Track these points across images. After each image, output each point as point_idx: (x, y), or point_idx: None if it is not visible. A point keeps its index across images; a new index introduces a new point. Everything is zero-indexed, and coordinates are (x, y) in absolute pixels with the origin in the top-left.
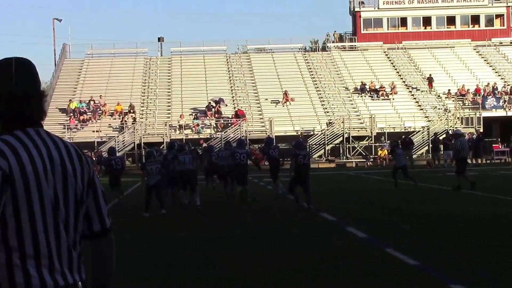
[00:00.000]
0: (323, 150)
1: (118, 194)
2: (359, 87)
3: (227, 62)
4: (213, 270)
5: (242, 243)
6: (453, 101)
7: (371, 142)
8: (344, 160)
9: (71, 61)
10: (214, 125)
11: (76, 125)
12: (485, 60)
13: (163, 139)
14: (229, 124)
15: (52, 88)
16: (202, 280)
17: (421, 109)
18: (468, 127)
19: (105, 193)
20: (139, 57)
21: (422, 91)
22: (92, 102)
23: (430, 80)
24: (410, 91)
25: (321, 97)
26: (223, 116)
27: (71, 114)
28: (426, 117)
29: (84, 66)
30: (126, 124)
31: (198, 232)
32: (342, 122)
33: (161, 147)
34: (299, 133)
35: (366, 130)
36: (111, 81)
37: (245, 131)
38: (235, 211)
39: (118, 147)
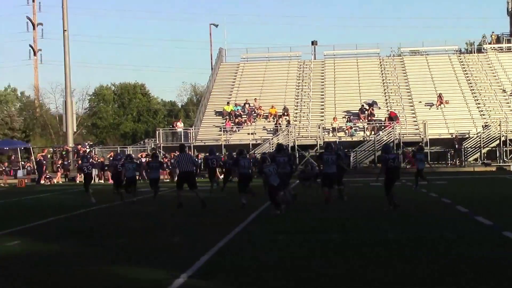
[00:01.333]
0: (478, 153)
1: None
2: None
3: (380, 65)
4: (363, 271)
5: (395, 245)
6: None
7: None
8: (501, 164)
9: (227, 65)
10: (367, 128)
11: (232, 127)
12: None
13: (317, 141)
14: (382, 127)
15: (209, 91)
16: (355, 282)
17: None
18: None
19: None
20: (292, 60)
21: None
22: (247, 105)
23: None
24: None
25: (477, 100)
26: (376, 118)
27: (227, 117)
28: None
29: (240, 69)
30: (280, 126)
31: (348, 233)
32: (499, 125)
33: (314, 149)
34: (454, 136)
35: None
36: (265, 84)
37: (398, 134)
38: (388, 213)
39: (271, 149)
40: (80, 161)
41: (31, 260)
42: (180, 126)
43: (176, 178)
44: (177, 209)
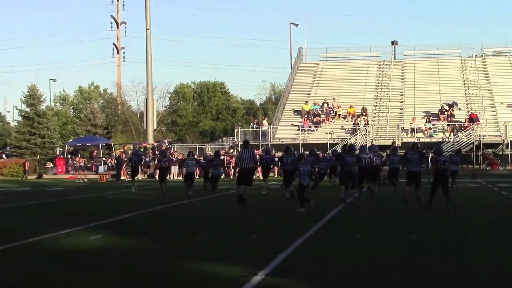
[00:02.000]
0: None
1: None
2: None
3: (462, 65)
4: (444, 272)
5: (475, 245)
6: None
7: None
8: None
9: (307, 64)
10: (446, 129)
11: (310, 126)
12: None
13: (395, 142)
14: (462, 128)
15: (288, 90)
16: (437, 280)
17: None
18: None
19: None
20: (372, 60)
21: None
22: (325, 105)
23: None
24: None
25: None
26: (456, 119)
27: (305, 116)
28: None
29: (319, 69)
30: (358, 126)
31: (431, 232)
32: None
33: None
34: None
35: None
36: (344, 84)
37: (478, 136)
38: (467, 209)
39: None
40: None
41: (112, 255)
42: (265, 124)
43: (237, 174)
44: (237, 204)
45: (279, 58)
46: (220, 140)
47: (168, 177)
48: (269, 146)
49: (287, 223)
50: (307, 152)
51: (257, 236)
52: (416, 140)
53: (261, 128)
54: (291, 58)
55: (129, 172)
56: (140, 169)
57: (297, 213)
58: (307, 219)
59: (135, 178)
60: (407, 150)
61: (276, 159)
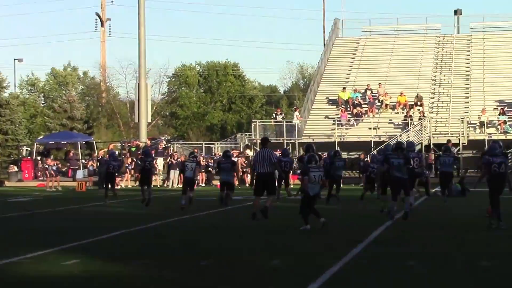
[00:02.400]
0: None
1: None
2: None
3: None
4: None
5: None
6: None
7: None
8: None
9: (344, 40)
10: None
11: (349, 120)
12: None
13: (459, 139)
14: None
15: (320, 73)
16: None
17: None
18: None
19: None
20: (429, 35)
21: None
22: (368, 92)
23: None
24: None
25: None
26: None
27: (343, 106)
28: None
29: (360, 46)
30: (411, 119)
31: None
32: None
33: (456, 149)
34: None
35: None
36: (393, 65)
37: None
38: None
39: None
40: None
41: (92, 285)
42: (298, 117)
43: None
44: (252, 219)
45: (309, 33)
46: (233, 137)
47: (166, 185)
48: (288, 146)
49: (318, 244)
50: (324, 154)
51: (279, 261)
52: (487, 138)
53: (285, 120)
54: (324, 33)
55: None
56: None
57: (302, 230)
58: (344, 239)
59: (113, 186)
60: (388, 153)
61: (295, 163)
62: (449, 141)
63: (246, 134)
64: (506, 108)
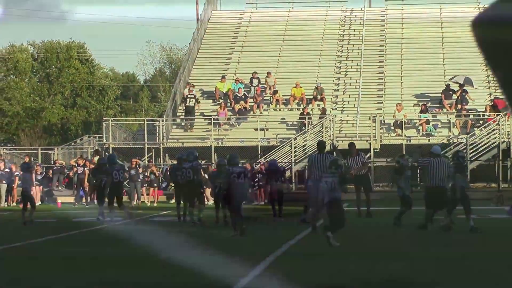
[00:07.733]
0: None
1: None
2: None
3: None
4: None
5: None
6: None
7: None
8: None
9: (224, 15)
10: (455, 122)
11: (229, 118)
12: None
13: (369, 143)
14: (480, 122)
15: (192, 58)
16: None
17: None
18: None
19: None
20: (333, 7)
21: None
22: (255, 82)
23: None
24: None
25: None
26: (470, 107)
27: (221, 101)
28: None
29: (244, 23)
30: (310, 118)
31: None
32: None
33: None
34: None
35: None
36: (286, 48)
37: (507, 134)
38: None
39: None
40: None
41: None
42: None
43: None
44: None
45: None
46: (78, 141)
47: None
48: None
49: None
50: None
51: None
52: (406, 142)
53: (145, 119)
54: (197, 4)
55: None
56: None
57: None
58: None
59: None
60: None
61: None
62: (352, 144)
63: (95, 137)
64: (429, 104)
